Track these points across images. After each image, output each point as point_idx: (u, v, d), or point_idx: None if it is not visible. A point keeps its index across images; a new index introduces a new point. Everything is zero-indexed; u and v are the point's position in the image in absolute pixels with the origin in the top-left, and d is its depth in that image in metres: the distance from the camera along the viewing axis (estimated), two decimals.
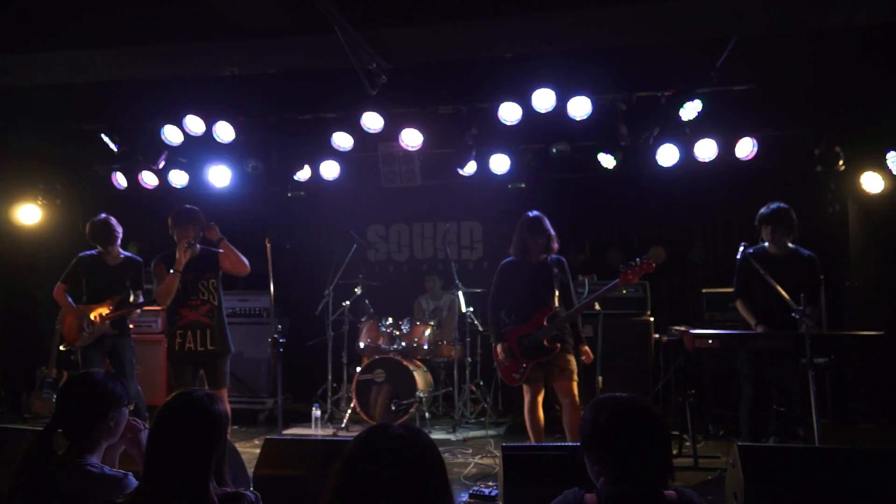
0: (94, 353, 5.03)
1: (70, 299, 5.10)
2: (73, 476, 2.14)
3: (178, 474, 1.85)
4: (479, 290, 6.64)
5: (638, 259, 4.55)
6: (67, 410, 2.30)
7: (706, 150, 6.03)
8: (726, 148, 6.03)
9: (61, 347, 5.26)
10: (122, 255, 5.23)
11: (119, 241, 5.23)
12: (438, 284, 7.32)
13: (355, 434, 1.61)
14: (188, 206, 4.81)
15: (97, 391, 2.30)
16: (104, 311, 5.01)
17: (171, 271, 4.55)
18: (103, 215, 5.23)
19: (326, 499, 1.43)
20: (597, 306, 5.32)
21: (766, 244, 4.64)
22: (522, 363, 4.54)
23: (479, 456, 5.30)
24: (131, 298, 5.19)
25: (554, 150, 6.37)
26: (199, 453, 1.87)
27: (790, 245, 4.63)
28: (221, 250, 4.73)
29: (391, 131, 6.26)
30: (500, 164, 6.43)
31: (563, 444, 3.98)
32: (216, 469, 1.90)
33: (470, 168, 6.41)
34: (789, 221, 4.56)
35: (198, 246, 4.71)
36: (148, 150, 6.61)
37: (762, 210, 4.64)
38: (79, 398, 2.30)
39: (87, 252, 5.21)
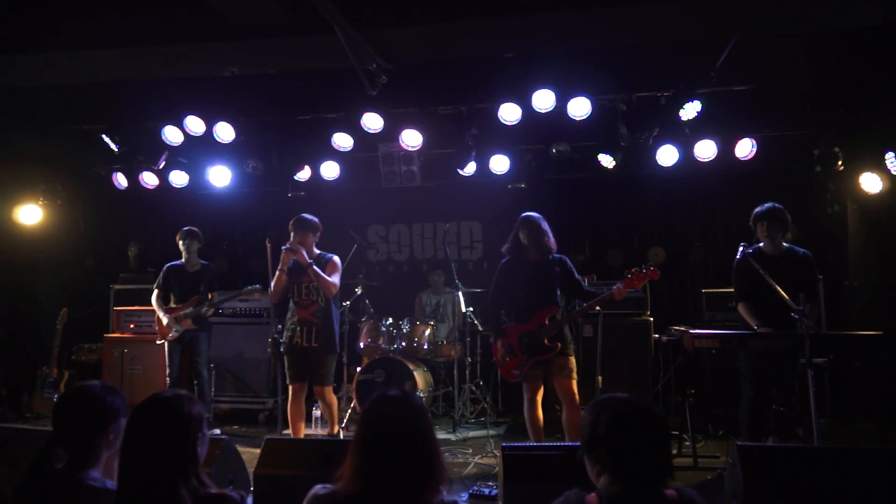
0: (176, 346, 5.94)
1: (159, 302, 5.99)
2: (74, 490, 2.11)
3: (148, 474, 1.84)
4: (478, 291, 6.65)
5: (643, 266, 4.55)
6: (66, 425, 2.22)
7: (706, 150, 6.05)
8: (726, 148, 6.05)
9: (157, 342, 5.96)
10: (200, 263, 6.10)
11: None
12: (442, 279, 7.34)
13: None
14: (308, 215, 5.08)
15: (95, 405, 2.22)
16: (185, 310, 5.93)
17: (278, 270, 4.98)
18: (193, 228, 6.07)
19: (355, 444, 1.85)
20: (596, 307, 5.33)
21: (762, 244, 4.64)
22: (522, 360, 4.56)
23: (479, 456, 5.30)
24: (210, 297, 6.06)
25: (554, 151, 6.38)
26: (168, 453, 1.86)
27: (785, 244, 4.64)
28: (333, 256, 5.13)
29: (391, 131, 6.26)
30: (500, 164, 6.44)
31: (563, 444, 3.99)
32: (191, 469, 1.88)
33: (470, 168, 6.42)
34: (783, 219, 4.58)
35: (304, 252, 4.93)
36: (148, 151, 6.62)
37: (756, 209, 4.65)
38: (77, 412, 2.22)
39: (172, 262, 6.08)
